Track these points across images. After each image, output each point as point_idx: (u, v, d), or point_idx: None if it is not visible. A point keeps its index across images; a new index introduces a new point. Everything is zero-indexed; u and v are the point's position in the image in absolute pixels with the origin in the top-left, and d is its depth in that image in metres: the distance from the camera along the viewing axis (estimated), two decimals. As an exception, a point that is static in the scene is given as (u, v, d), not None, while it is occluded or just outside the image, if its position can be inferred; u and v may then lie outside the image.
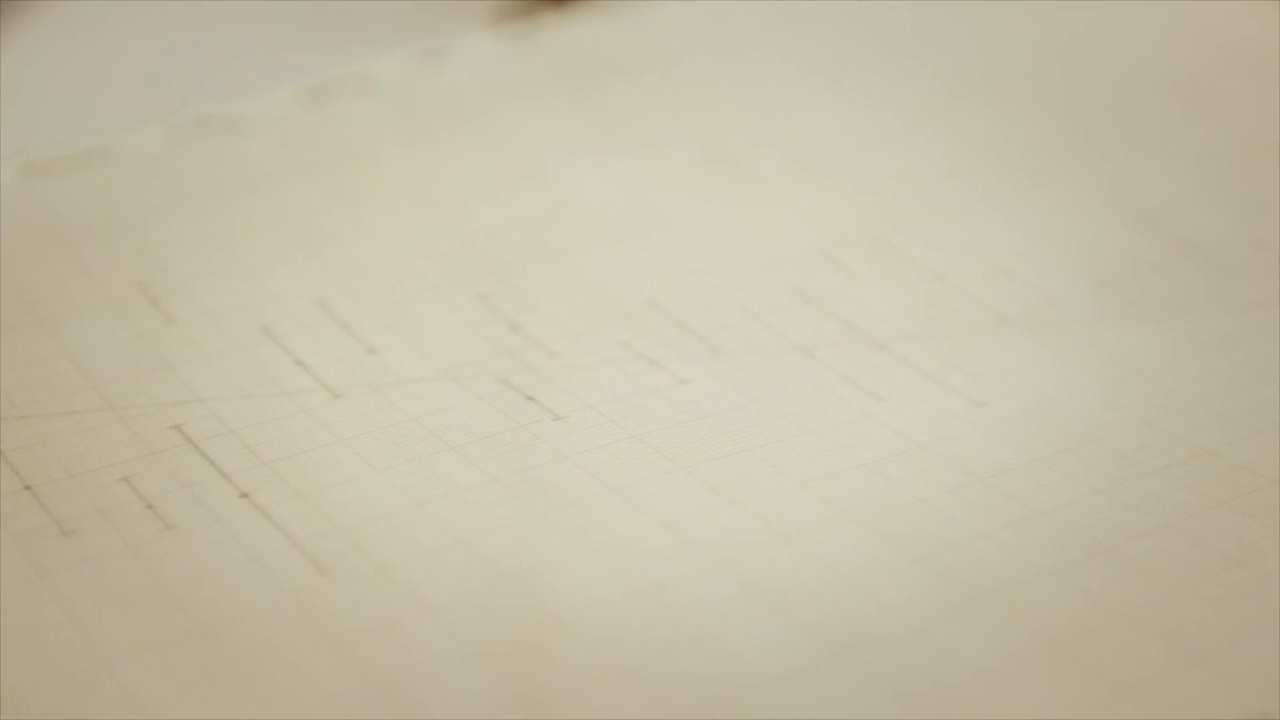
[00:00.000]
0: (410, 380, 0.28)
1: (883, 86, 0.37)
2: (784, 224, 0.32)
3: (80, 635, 0.21)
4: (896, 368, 0.28)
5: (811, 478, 0.25)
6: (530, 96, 0.36)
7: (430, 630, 0.21)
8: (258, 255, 0.31)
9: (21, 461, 0.25)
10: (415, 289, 0.30)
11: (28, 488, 0.24)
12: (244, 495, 0.24)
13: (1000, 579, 0.23)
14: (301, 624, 0.21)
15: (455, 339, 0.29)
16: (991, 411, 0.27)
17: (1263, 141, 0.36)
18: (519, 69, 0.37)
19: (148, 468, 0.25)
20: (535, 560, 0.23)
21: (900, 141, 0.35)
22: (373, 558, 0.23)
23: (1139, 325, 0.30)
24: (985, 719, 0.20)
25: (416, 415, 0.27)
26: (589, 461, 0.25)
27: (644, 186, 0.33)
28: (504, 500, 0.24)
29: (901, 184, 0.34)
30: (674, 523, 0.24)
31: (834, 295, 0.30)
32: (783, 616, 0.22)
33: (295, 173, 0.33)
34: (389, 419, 0.27)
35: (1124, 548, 0.23)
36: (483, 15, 0.49)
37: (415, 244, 0.31)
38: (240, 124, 0.35)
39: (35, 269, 0.30)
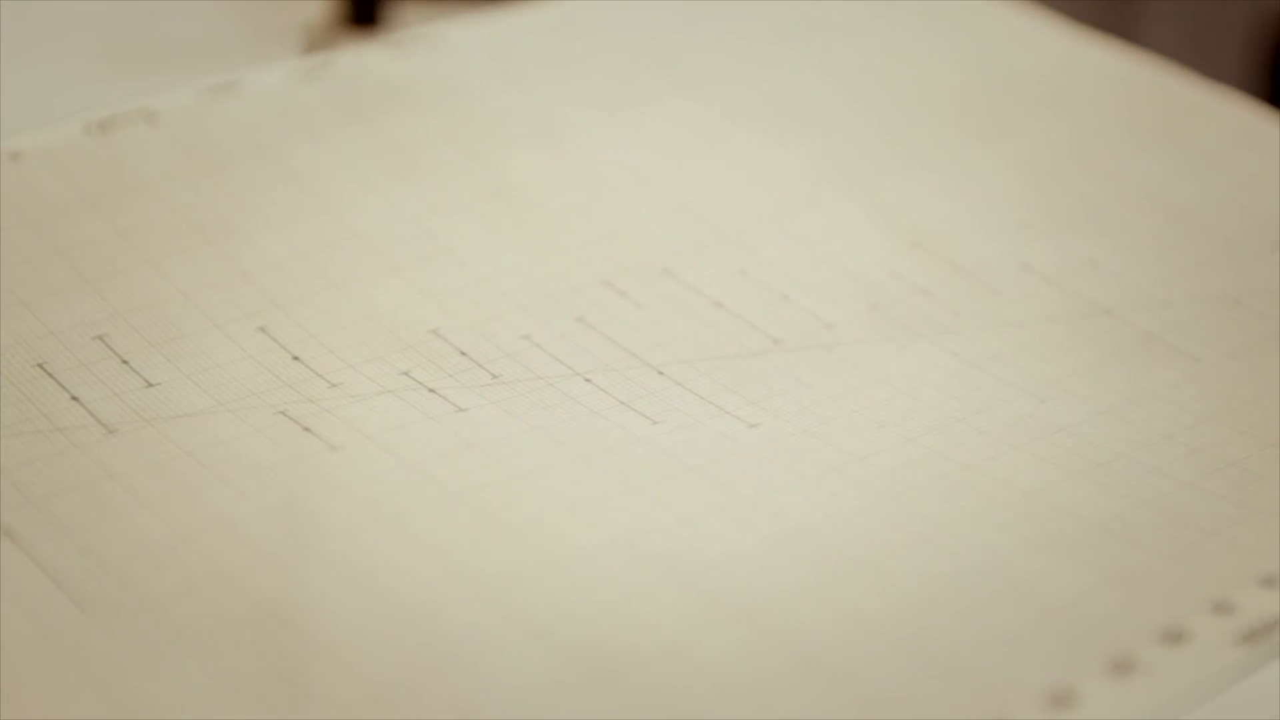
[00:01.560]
0: (187, 414, 0.27)
1: (665, 118, 0.38)
2: (567, 253, 0.33)
3: None
4: (673, 392, 0.29)
5: (582, 501, 0.25)
6: (319, 129, 0.36)
7: (191, 665, 0.21)
8: (36, 290, 0.30)
9: None
10: (197, 322, 0.30)
11: None
12: (7, 533, 0.24)
13: (761, 596, 0.23)
14: (60, 662, 0.21)
15: (235, 371, 0.29)
16: (763, 432, 0.28)
17: (1029, 169, 0.37)
18: (308, 101, 0.37)
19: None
20: (300, 592, 0.23)
21: (682, 171, 0.36)
22: (135, 593, 0.23)
23: (909, 346, 0.30)
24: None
25: (191, 449, 0.27)
26: (362, 491, 0.26)
27: (429, 217, 0.33)
28: (273, 533, 0.24)
29: (682, 213, 0.34)
30: (442, 550, 0.24)
31: (614, 322, 0.31)
32: (544, 639, 0.22)
33: (78, 206, 0.33)
34: (163, 453, 0.26)
35: (880, 562, 0.24)
36: (279, 49, 0.49)
37: (198, 277, 0.31)
38: (22, 156, 0.34)
39: None
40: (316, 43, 0.50)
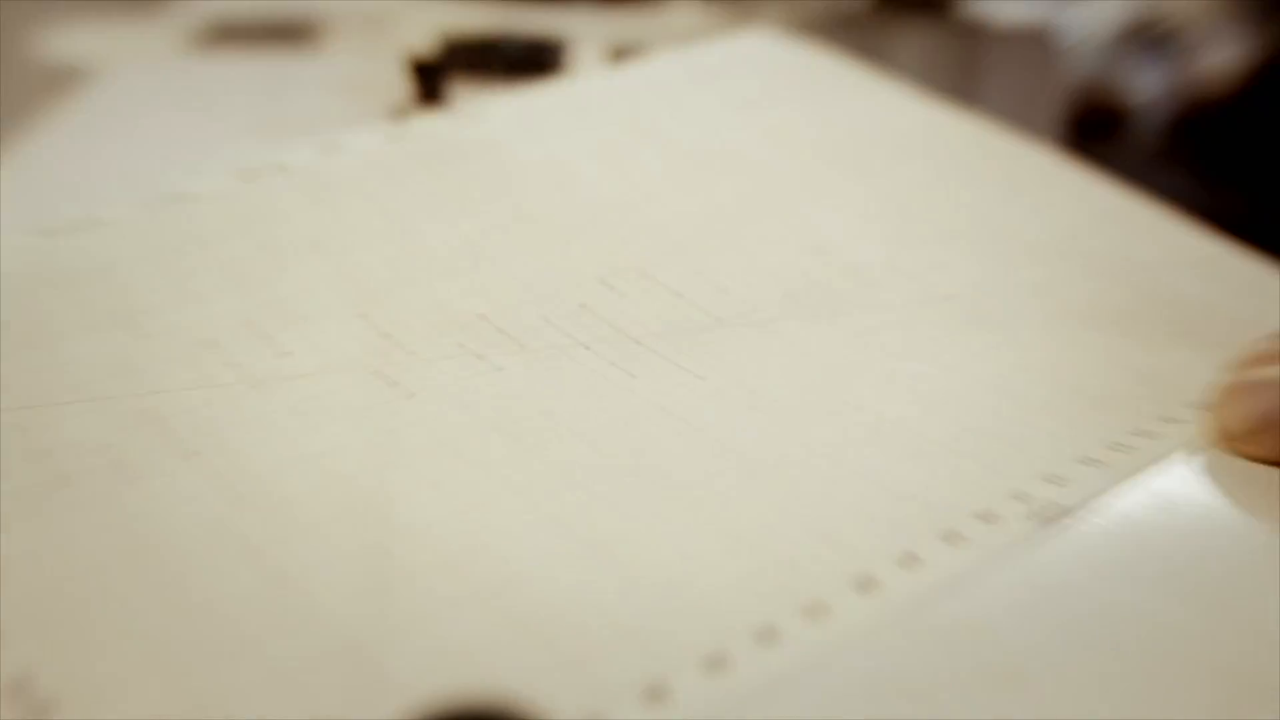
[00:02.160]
0: (309, 373, 0.28)
1: (641, 164, 0.38)
2: (572, 260, 0.33)
3: None
4: (648, 356, 0.29)
5: (581, 430, 0.26)
6: (398, 174, 0.37)
7: (306, 547, 0.22)
8: (208, 288, 0.31)
9: None
10: (315, 311, 0.30)
11: None
12: (195, 453, 0.25)
13: (704, 486, 0.24)
14: (214, 543, 0.22)
15: (342, 344, 0.29)
16: (709, 382, 0.28)
17: (895, 198, 0.37)
18: (392, 155, 0.38)
19: (129, 439, 0.25)
20: (390, 491, 0.24)
21: (653, 202, 0.36)
22: (273, 492, 0.24)
23: (811, 322, 0.31)
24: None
25: (315, 395, 0.27)
26: (430, 425, 0.26)
27: (476, 236, 0.34)
28: (369, 451, 0.25)
29: (654, 231, 0.35)
30: (488, 464, 0.25)
31: (607, 308, 0.31)
32: (563, 526, 0.23)
33: (231, 231, 0.33)
34: (294, 398, 0.27)
35: (766, 462, 0.25)
36: (375, 118, 0.50)
37: (316, 278, 0.32)
38: (200, 195, 0.35)
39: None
40: (399, 114, 0.50)
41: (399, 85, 0.56)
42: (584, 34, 0.65)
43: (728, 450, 0.26)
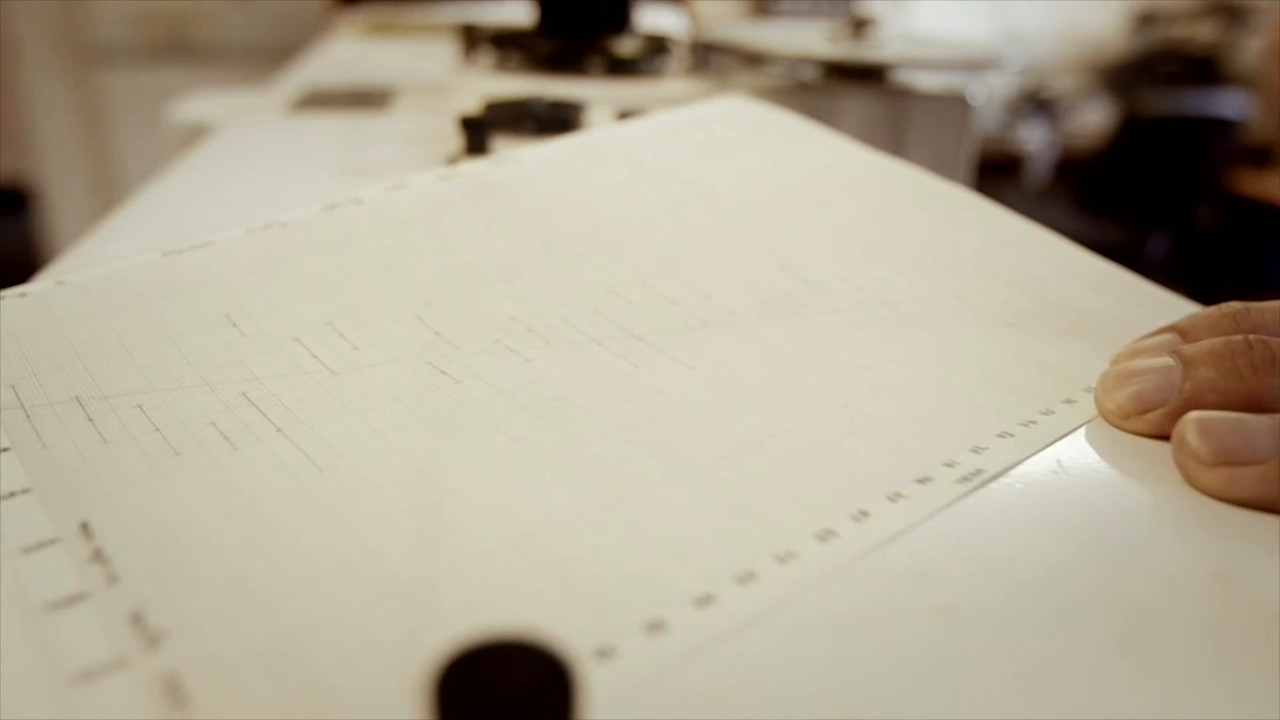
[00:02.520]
0: (375, 364, 0.27)
1: (643, 200, 0.37)
2: (588, 273, 0.32)
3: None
4: (648, 350, 0.28)
5: (593, 406, 0.25)
6: (450, 206, 0.36)
7: (370, 513, 0.21)
8: (289, 297, 0.30)
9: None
10: (380, 314, 0.30)
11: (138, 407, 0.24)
12: (282, 431, 0.24)
13: (701, 456, 0.23)
14: (302, 502, 0.21)
15: (402, 340, 0.28)
16: (697, 372, 0.27)
17: (844, 225, 0.37)
18: (445, 191, 0.37)
19: (231, 417, 0.24)
20: (441, 459, 0.23)
21: (652, 228, 0.35)
22: (346, 457, 0.23)
23: (778, 323, 0.30)
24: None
25: (377, 383, 0.26)
26: (474, 406, 0.25)
27: (510, 254, 0.33)
28: (422, 428, 0.24)
29: (653, 251, 0.34)
30: (516, 436, 0.24)
31: (616, 311, 0.30)
32: (573, 481, 0.22)
33: (314, 250, 0.33)
34: (363, 384, 0.26)
35: (768, 437, 0.24)
36: (431, 163, 0.49)
37: (381, 287, 0.31)
38: (289, 225, 0.34)
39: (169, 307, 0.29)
40: (452, 161, 0.49)
41: (452, 139, 0.55)
42: (597, 98, 0.63)
43: (714, 426, 0.24)
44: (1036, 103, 2.31)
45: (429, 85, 0.76)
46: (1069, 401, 0.27)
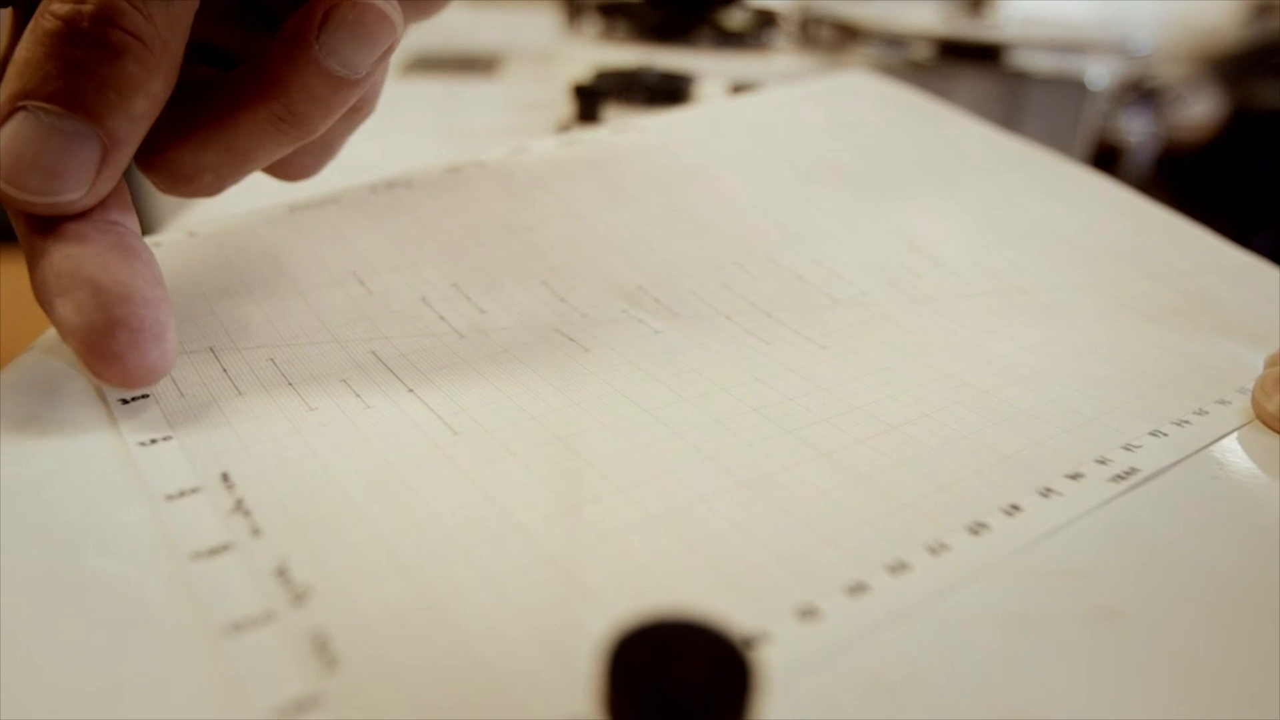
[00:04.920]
0: (502, 328, 0.27)
1: (764, 172, 0.36)
2: (713, 245, 0.32)
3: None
4: (778, 327, 0.28)
5: (723, 386, 0.25)
6: (570, 173, 0.35)
7: (503, 470, 0.21)
8: (415, 258, 0.30)
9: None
10: (507, 279, 0.29)
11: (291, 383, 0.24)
12: (410, 391, 0.24)
13: (837, 440, 0.22)
14: (437, 461, 0.21)
15: (530, 307, 0.28)
16: (828, 351, 0.27)
17: (975, 207, 0.35)
18: (564, 157, 0.36)
19: (362, 375, 0.24)
20: (572, 423, 0.22)
21: (779, 200, 0.34)
22: (480, 419, 0.22)
23: (909, 306, 0.29)
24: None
25: (507, 346, 0.26)
26: (603, 373, 0.25)
27: (634, 223, 0.32)
28: (553, 394, 0.24)
29: (780, 225, 0.33)
30: (649, 406, 0.23)
31: (743, 286, 0.30)
32: (713, 456, 0.21)
33: (439, 211, 0.32)
34: (491, 348, 0.26)
35: (897, 419, 0.23)
36: (545, 131, 0.49)
37: (506, 251, 0.30)
38: (414, 183, 0.34)
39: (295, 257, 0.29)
40: (563, 129, 0.49)
41: (562, 106, 0.54)
42: (707, 70, 0.63)
43: (851, 409, 0.24)
44: (1141, 92, 2.23)
45: (535, 52, 0.76)
46: (1222, 402, 0.25)
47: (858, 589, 0.17)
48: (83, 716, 0.14)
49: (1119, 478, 0.21)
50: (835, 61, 0.73)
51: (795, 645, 0.16)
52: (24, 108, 0.20)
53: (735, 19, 0.80)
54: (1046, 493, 0.21)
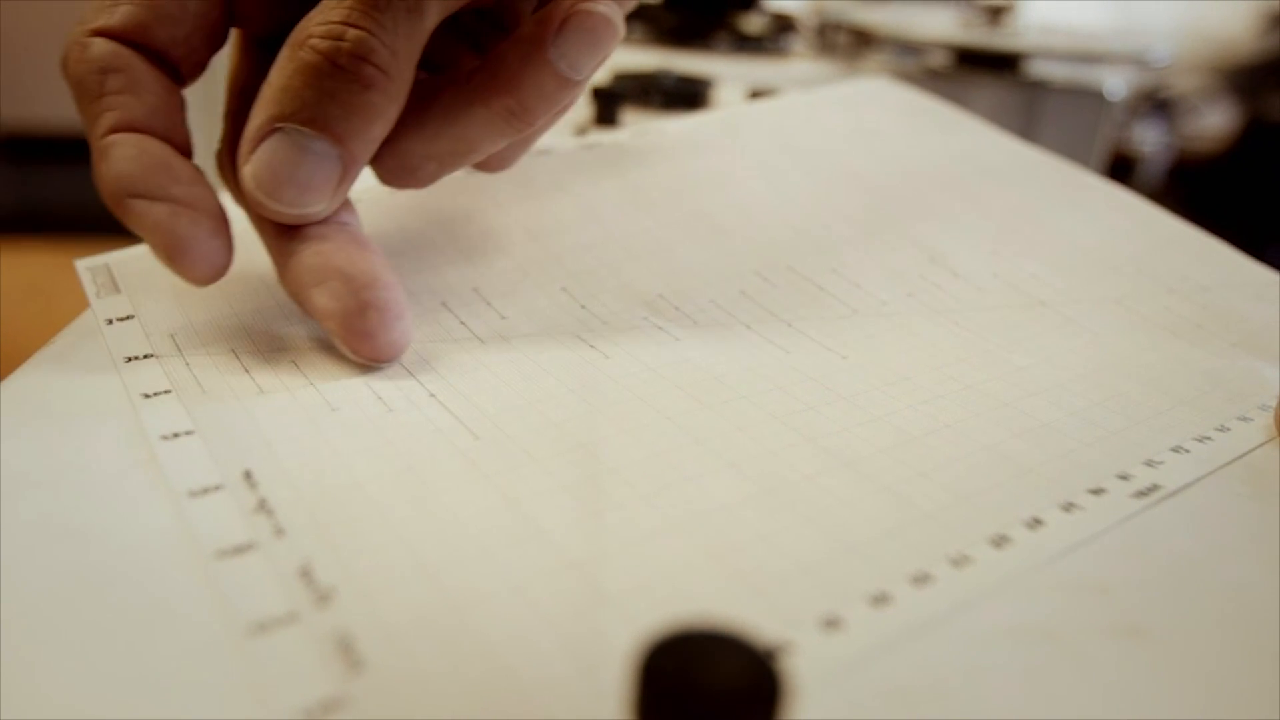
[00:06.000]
0: (524, 334, 0.27)
1: (780, 177, 0.36)
2: (733, 254, 0.32)
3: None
4: (797, 336, 0.28)
5: (743, 394, 0.25)
6: (590, 174, 0.35)
7: (528, 474, 0.21)
8: (447, 258, 0.30)
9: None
10: (525, 283, 0.29)
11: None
12: (434, 394, 0.24)
13: (855, 447, 0.22)
14: (458, 463, 0.21)
15: (547, 311, 0.28)
16: (849, 360, 0.27)
17: (995, 218, 0.35)
18: (585, 159, 0.36)
19: (384, 375, 0.24)
20: (591, 424, 0.22)
21: (798, 208, 0.34)
22: (501, 425, 0.22)
23: (929, 317, 0.29)
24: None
25: (527, 353, 0.26)
26: (622, 378, 0.25)
27: (655, 228, 0.32)
28: (572, 397, 0.24)
29: (800, 234, 0.33)
30: (667, 411, 0.23)
31: (762, 295, 0.30)
32: (733, 463, 0.21)
33: (458, 213, 0.32)
34: (511, 354, 0.26)
35: (913, 426, 0.23)
36: (558, 132, 0.49)
37: (527, 255, 0.31)
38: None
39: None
40: (581, 131, 0.49)
41: (580, 108, 0.54)
42: (725, 74, 0.63)
43: (872, 419, 0.24)
44: (1155, 102, 2.23)
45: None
46: (1244, 419, 0.25)
47: (881, 599, 0.17)
48: (106, 716, 0.14)
49: (1141, 494, 0.21)
50: (852, 68, 0.73)
51: (819, 655, 0.16)
52: (281, 129, 0.23)
53: (753, 23, 0.80)
54: (1069, 507, 0.21)
